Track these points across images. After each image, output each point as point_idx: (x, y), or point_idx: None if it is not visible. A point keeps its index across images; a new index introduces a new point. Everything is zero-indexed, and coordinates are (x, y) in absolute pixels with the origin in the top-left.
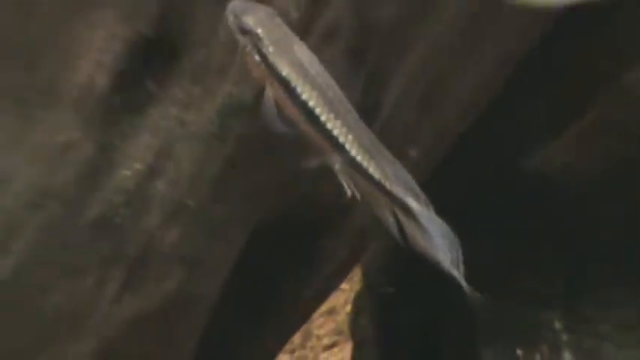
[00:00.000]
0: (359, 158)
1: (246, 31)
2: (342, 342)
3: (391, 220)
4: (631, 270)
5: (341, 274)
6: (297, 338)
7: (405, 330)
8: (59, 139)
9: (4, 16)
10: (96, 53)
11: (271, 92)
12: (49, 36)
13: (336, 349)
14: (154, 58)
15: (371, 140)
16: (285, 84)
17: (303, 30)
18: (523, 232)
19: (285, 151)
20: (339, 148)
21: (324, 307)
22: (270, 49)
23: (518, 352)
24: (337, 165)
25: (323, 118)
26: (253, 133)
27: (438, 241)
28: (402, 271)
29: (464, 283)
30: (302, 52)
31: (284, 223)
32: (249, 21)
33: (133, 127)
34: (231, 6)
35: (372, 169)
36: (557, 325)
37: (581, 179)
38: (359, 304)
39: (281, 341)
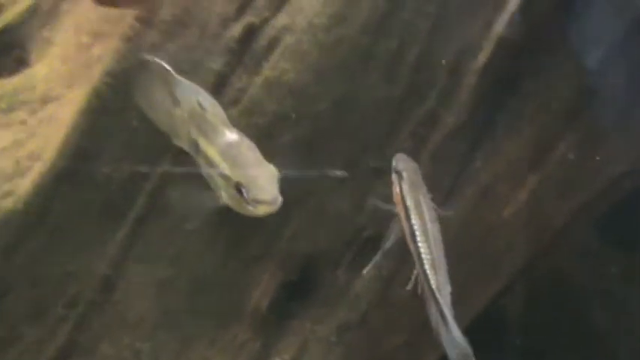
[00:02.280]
0: (427, 271)
1: (397, 172)
2: None
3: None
4: None
5: None
6: None
7: None
8: (239, 339)
9: (209, 269)
10: (263, 288)
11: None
12: (233, 275)
13: None
14: (298, 290)
15: (440, 260)
16: (406, 209)
17: None
18: None
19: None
20: (420, 261)
21: None
22: (405, 186)
23: None
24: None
25: (418, 238)
26: (359, 339)
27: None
28: None
29: None
30: (423, 194)
31: None
32: (400, 167)
33: (283, 332)
34: (396, 155)
35: (431, 281)
36: None
37: None
38: None
39: None
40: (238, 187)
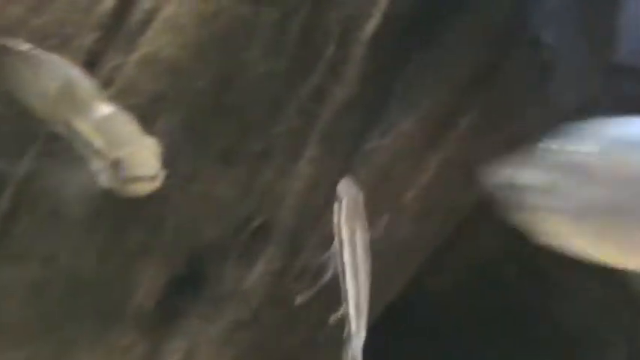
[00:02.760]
0: (349, 313)
1: (337, 200)
2: None
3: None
4: None
5: None
6: None
7: None
8: (124, 342)
9: (87, 266)
10: (147, 285)
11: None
12: (115, 272)
13: None
14: (186, 286)
15: (364, 302)
16: (340, 242)
17: None
18: None
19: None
20: (346, 300)
21: None
22: (342, 217)
23: None
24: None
25: (347, 275)
26: (252, 338)
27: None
28: None
29: None
30: (360, 226)
31: None
32: (341, 194)
33: (171, 332)
34: (341, 180)
35: (352, 325)
36: None
37: None
38: None
39: None
40: (116, 164)
